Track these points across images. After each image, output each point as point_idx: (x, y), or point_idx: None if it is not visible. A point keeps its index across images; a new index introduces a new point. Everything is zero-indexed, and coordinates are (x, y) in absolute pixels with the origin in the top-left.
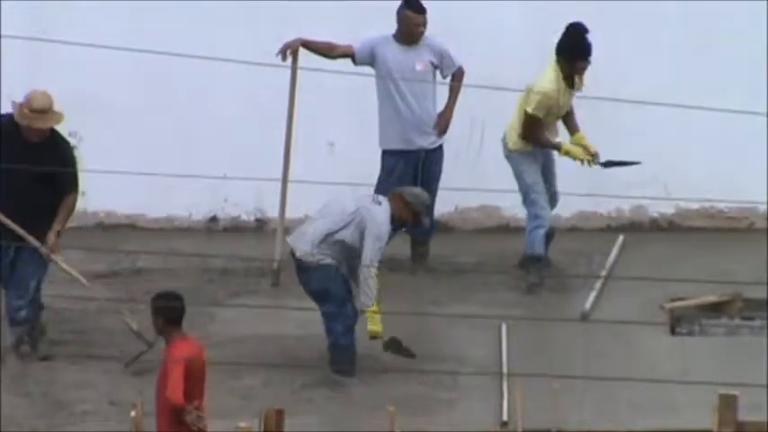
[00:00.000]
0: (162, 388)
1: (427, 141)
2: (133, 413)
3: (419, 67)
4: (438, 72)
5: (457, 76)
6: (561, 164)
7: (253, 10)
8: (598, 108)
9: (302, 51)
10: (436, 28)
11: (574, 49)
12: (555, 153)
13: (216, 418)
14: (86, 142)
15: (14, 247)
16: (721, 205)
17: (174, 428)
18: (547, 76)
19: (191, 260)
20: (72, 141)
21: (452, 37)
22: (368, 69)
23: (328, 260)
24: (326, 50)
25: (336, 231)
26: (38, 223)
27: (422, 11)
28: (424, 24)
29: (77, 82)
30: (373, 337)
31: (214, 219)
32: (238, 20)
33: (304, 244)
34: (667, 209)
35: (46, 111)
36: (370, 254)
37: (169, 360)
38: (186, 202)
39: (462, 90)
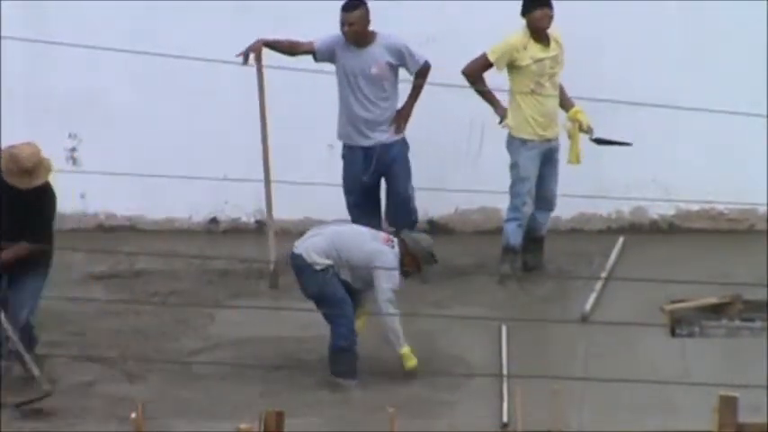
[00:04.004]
0: None
1: (383, 137)
2: (134, 415)
3: (374, 70)
4: (405, 70)
5: (422, 73)
6: (562, 166)
7: (252, 11)
8: (598, 110)
9: (265, 51)
10: (436, 28)
11: (525, 2)
12: (560, 156)
13: (216, 419)
14: (86, 143)
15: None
16: (721, 207)
17: None
18: (515, 32)
19: (191, 262)
20: (72, 143)
21: (452, 37)
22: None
23: (328, 262)
24: (289, 49)
25: (346, 257)
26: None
27: (347, 8)
28: (358, 23)
29: (77, 82)
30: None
31: (214, 220)
32: (238, 20)
33: (305, 249)
34: (667, 210)
35: (33, 170)
36: (386, 296)
37: None
38: (186, 203)
39: (461, 92)
